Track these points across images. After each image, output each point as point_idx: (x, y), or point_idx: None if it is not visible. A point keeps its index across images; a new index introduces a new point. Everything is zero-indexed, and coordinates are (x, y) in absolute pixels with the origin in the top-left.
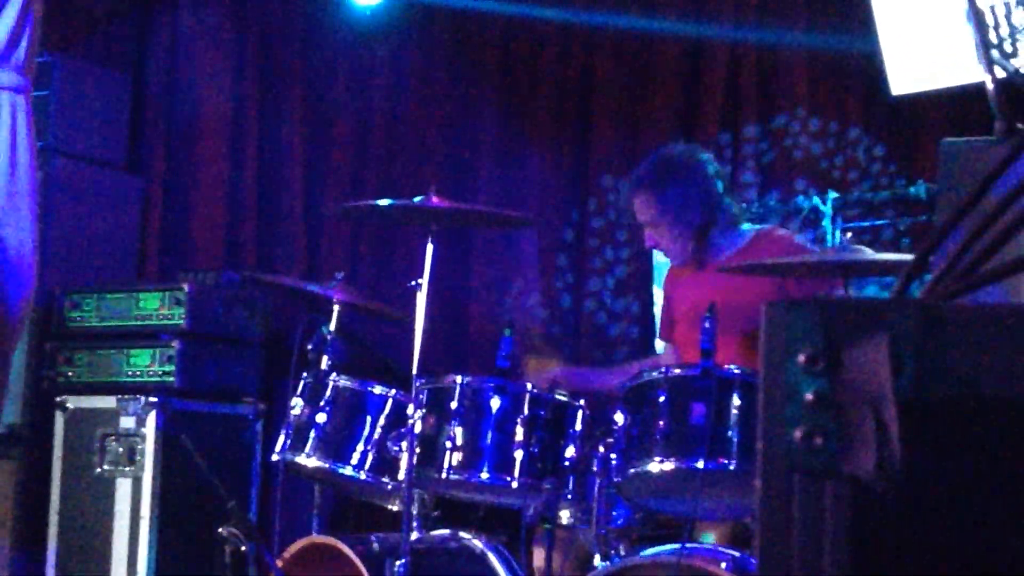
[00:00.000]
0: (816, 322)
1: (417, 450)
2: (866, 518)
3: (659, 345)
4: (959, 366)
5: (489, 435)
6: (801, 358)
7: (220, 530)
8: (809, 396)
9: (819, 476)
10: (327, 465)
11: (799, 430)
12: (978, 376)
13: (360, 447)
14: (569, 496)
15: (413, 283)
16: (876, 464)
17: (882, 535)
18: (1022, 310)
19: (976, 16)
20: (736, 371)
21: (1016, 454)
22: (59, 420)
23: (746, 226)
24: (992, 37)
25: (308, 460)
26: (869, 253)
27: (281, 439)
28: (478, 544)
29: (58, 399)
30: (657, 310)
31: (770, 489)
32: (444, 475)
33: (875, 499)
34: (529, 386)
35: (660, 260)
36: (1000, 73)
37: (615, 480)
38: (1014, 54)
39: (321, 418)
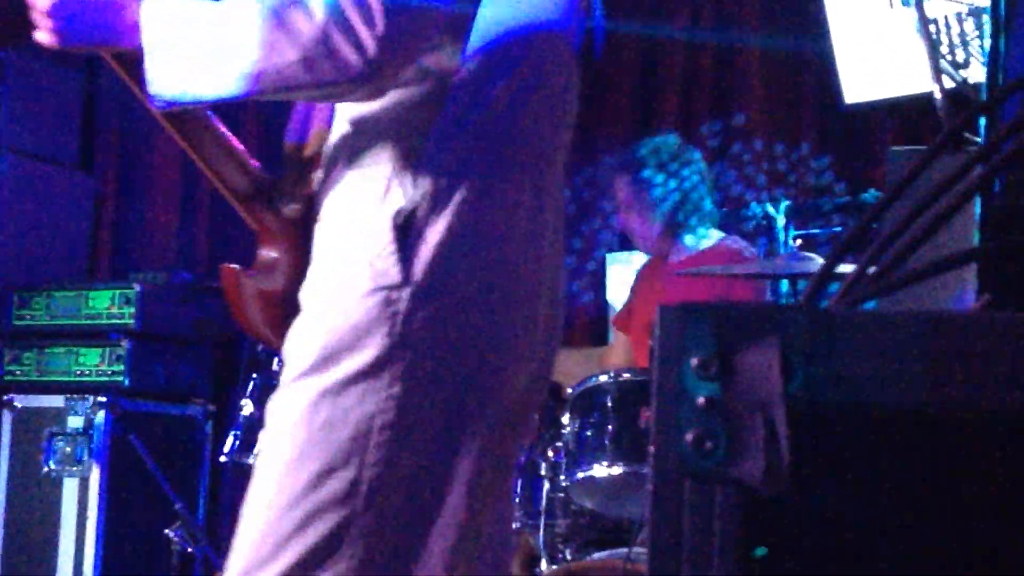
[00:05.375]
0: (709, 327)
1: None
2: (754, 523)
3: (613, 335)
4: (849, 372)
5: None
6: (694, 362)
7: (167, 532)
8: (701, 400)
9: (709, 481)
10: None
11: (690, 434)
12: (868, 382)
13: None
14: (517, 499)
15: None
16: (764, 469)
17: (770, 541)
18: (912, 317)
19: (925, 26)
20: None
21: (903, 460)
22: (6, 419)
23: (707, 232)
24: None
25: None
26: (820, 260)
27: (230, 440)
28: None
29: (5, 397)
30: (617, 304)
31: (661, 493)
32: None
33: (763, 504)
34: None
35: (613, 262)
36: (948, 83)
37: (563, 484)
38: (965, 64)
39: None
